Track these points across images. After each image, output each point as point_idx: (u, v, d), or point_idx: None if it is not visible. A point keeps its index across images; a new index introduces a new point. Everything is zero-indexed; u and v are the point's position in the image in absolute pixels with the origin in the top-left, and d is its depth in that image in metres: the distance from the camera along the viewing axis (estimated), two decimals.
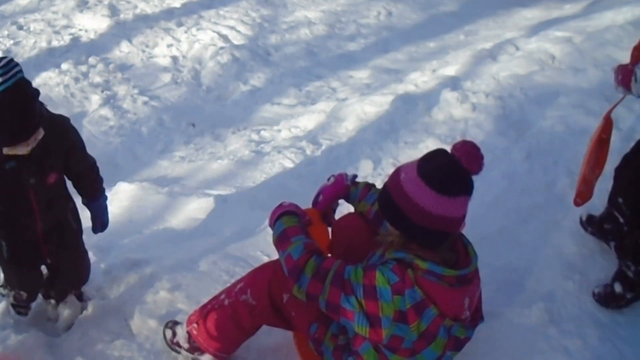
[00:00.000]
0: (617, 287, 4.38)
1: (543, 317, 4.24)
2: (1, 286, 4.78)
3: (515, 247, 5.04)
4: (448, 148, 3.30)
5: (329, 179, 4.21)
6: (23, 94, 3.47)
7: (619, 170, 4.50)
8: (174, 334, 4.27)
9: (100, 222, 4.60)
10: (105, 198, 4.60)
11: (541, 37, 8.52)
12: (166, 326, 4.33)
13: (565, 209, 4.60)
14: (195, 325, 4.07)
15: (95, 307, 4.71)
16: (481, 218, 5.26)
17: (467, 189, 3.17)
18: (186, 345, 4.17)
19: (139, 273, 4.86)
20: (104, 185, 4.56)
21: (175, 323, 4.32)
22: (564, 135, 6.19)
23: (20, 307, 4.71)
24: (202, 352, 4.11)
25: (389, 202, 3.21)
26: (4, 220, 4.06)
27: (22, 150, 3.65)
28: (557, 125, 6.35)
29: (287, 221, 3.67)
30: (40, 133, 3.65)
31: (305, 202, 5.45)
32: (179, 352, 4.27)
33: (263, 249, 5.21)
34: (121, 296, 4.83)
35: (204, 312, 4.06)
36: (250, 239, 5.37)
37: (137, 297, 4.62)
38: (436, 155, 3.24)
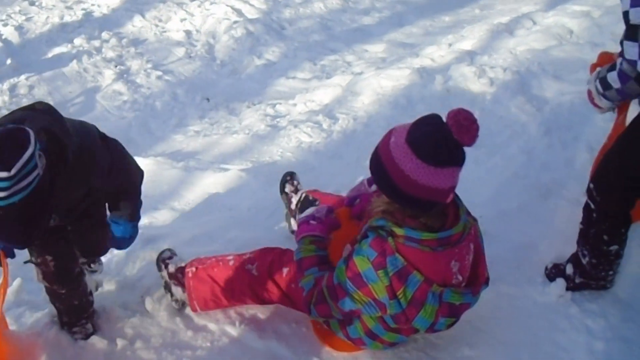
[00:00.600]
0: (569, 269, 4.39)
1: (564, 296, 4.21)
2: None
3: (535, 223, 4.99)
4: None
5: (369, 183, 4.09)
6: (32, 206, 2.73)
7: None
8: (170, 258, 4.40)
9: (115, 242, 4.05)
10: (132, 225, 3.94)
11: (559, 11, 8.43)
12: (169, 250, 4.49)
13: (585, 185, 4.54)
14: (193, 268, 4.16)
15: (111, 283, 4.67)
16: (500, 194, 5.29)
17: (456, 161, 3.10)
18: (172, 270, 4.27)
19: (155, 249, 4.75)
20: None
21: (176, 256, 4.45)
22: (583, 110, 6.07)
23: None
24: (180, 285, 4.22)
25: (378, 165, 3.23)
26: None
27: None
28: (576, 100, 6.27)
29: (305, 250, 3.74)
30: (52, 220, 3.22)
31: (322, 177, 5.48)
32: (160, 270, 4.39)
33: (279, 223, 5.21)
34: (137, 272, 4.79)
35: (206, 262, 4.17)
36: (268, 214, 5.36)
37: (153, 273, 4.56)
38: (428, 121, 3.15)
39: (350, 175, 5.72)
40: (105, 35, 10.42)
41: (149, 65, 9.53)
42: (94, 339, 4.19)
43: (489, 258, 3.78)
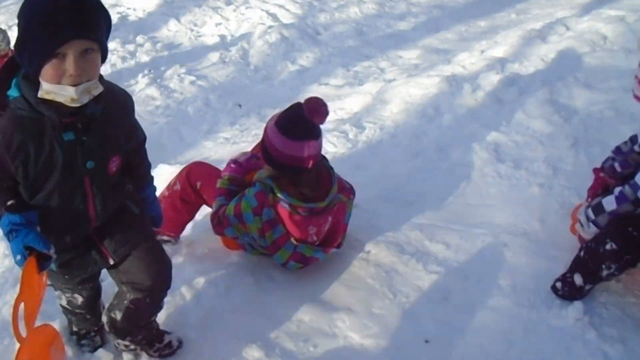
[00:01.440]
0: (577, 279, 4.26)
1: (582, 320, 4.13)
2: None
3: (556, 244, 4.85)
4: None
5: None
6: None
7: None
8: None
9: (149, 216, 3.82)
10: (154, 189, 3.89)
11: (593, 16, 8.26)
12: None
13: None
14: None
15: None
16: (523, 213, 5.17)
17: (309, 135, 4.22)
18: None
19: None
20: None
21: None
22: (613, 121, 6.00)
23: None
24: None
25: (262, 142, 4.42)
26: (47, 222, 3.18)
27: (69, 93, 2.75)
28: (606, 111, 6.16)
29: (222, 182, 4.73)
30: (98, 87, 2.86)
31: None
32: None
33: None
34: None
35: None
36: None
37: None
38: (291, 108, 4.33)
39: (374, 187, 5.70)
40: (140, 39, 10.51)
41: (183, 70, 9.57)
42: (101, 352, 4.19)
43: (510, 285, 4.28)
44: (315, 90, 8.66)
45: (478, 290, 4.44)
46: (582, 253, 4.25)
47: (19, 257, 3.03)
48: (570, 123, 6.13)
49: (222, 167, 4.98)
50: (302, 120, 4.18)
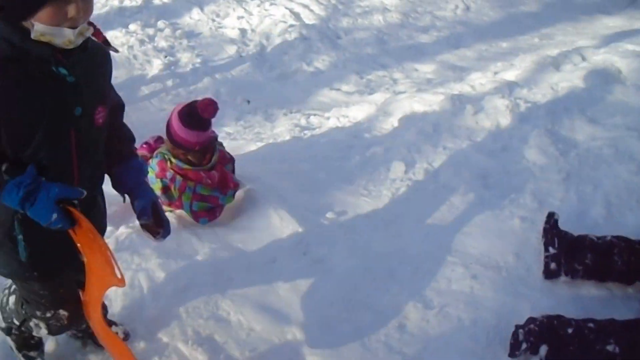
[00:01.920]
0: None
1: None
2: (19, 326, 3.78)
3: (528, 280, 4.74)
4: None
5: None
6: None
7: None
8: None
9: (146, 211, 3.31)
10: (144, 167, 3.50)
11: (611, 48, 8.13)
12: None
13: None
14: None
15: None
16: (499, 244, 5.07)
17: (198, 127, 5.17)
18: None
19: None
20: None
21: None
22: (610, 159, 5.87)
23: (33, 347, 3.99)
24: None
25: (167, 126, 5.30)
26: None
27: (67, 35, 2.63)
28: (605, 148, 6.02)
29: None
30: (89, 29, 2.71)
31: (326, 198, 5.39)
32: None
33: (267, 246, 5.13)
34: None
35: None
36: (255, 234, 5.25)
37: None
38: (190, 103, 5.28)
39: (354, 201, 5.62)
40: (160, 24, 10.50)
41: (199, 60, 9.58)
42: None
43: (471, 319, 4.31)
44: (325, 94, 8.62)
45: (437, 321, 4.35)
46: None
47: (54, 215, 2.74)
48: (566, 157, 5.99)
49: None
50: (196, 115, 5.17)
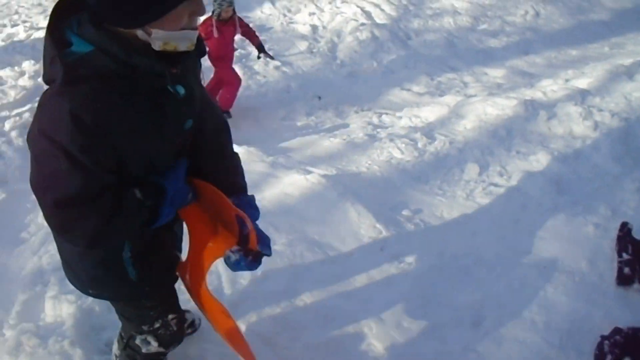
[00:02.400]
0: None
1: None
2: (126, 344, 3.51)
3: (601, 287, 4.71)
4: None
5: None
6: None
7: None
8: None
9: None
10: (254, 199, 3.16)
11: None
12: None
13: None
14: None
15: None
16: (574, 248, 5.06)
17: None
18: None
19: None
20: None
21: None
22: None
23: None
24: None
25: None
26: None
27: (192, 37, 2.42)
28: None
29: None
30: None
31: (399, 197, 5.44)
32: None
33: (344, 239, 5.16)
34: None
35: None
36: (332, 227, 5.30)
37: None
38: None
39: (429, 200, 5.70)
40: None
41: (270, 54, 9.63)
42: None
43: (544, 321, 4.32)
44: (396, 94, 8.70)
45: (511, 321, 4.37)
46: None
47: (190, 195, 2.83)
48: None
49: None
50: None
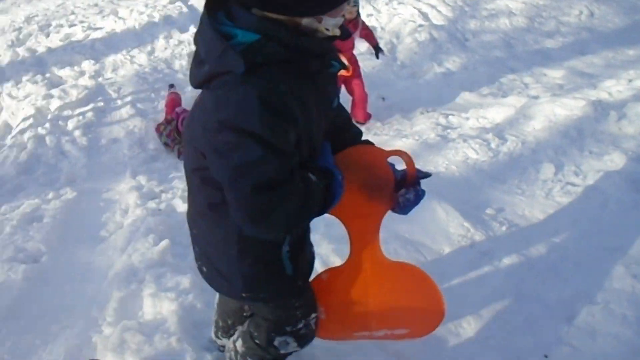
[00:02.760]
0: None
1: None
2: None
3: None
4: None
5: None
6: None
7: None
8: None
9: None
10: None
11: None
12: None
13: None
14: None
15: None
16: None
17: None
18: None
19: None
20: None
21: None
22: None
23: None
24: None
25: None
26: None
27: (341, 22, 2.63)
28: None
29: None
30: None
31: (480, 196, 5.57)
32: None
33: (434, 237, 5.31)
34: None
35: None
36: (422, 225, 5.42)
37: None
38: None
39: (509, 199, 5.86)
40: None
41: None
42: None
43: (636, 316, 4.38)
44: (459, 96, 8.78)
45: (603, 316, 4.45)
46: None
47: (339, 176, 2.83)
48: None
49: None
50: None
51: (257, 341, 3.44)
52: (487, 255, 5.12)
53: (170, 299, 4.66)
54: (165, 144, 8.09)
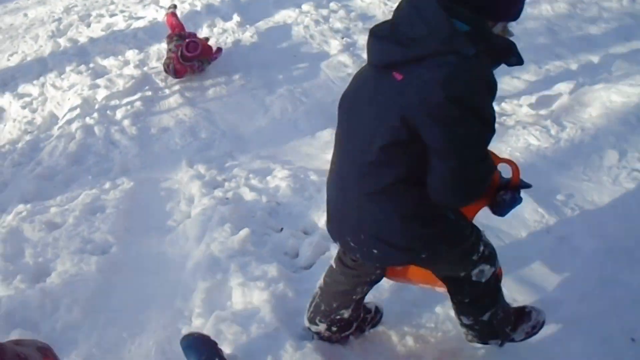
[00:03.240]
0: None
1: None
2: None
3: None
4: None
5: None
6: None
7: None
8: None
9: None
10: None
11: None
12: None
13: None
14: None
15: None
16: None
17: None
18: None
19: None
20: None
21: None
22: None
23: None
24: None
25: None
26: None
27: None
28: None
29: None
30: None
31: (550, 182, 5.59)
32: None
33: (510, 223, 5.35)
34: None
35: None
36: None
37: None
38: None
39: (577, 185, 5.91)
40: (333, 5, 10.86)
41: None
42: None
43: None
44: (507, 82, 8.76)
45: None
46: None
47: None
48: None
49: None
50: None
51: (466, 298, 3.73)
52: (564, 240, 5.18)
53: (260, 288, 4.72)
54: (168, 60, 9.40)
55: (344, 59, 9.49)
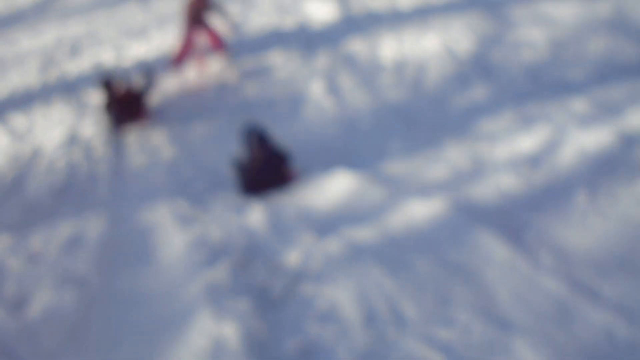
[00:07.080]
0: None
1: None
2: None
3: None
4: None
5: None
6: None
7: None
8: None
9: None
10: None
11: None
12: None
13: None
14: None
15: None
16: None
17: None
18: None
19: None
20: None
21: None
22: None
23: None
24: None
25: None
26: None
27: None
28: None
29: None
30: None
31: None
32: None
33: None
34: None
35: None
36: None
37: None
38: None
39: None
40: None
41: None
42: None
43: None
44: (485, 125, 8.73)
45: None
46: None
47: None
48: None
49: None
50: None
51: None
52: None
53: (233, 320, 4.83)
54: None
55: None
